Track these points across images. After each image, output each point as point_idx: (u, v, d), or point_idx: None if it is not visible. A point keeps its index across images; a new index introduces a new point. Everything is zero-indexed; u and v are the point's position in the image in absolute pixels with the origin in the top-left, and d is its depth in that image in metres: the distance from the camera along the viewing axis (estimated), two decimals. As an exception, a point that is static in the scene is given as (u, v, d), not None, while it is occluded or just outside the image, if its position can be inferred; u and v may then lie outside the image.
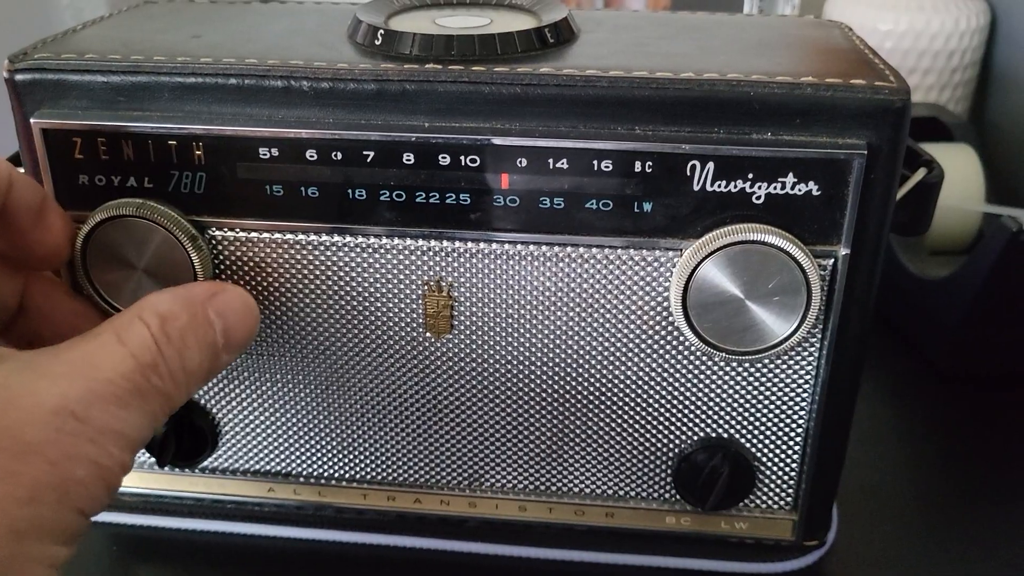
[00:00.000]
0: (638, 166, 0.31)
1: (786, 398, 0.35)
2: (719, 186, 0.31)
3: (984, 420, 0.48)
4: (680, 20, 0.38)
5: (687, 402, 0.35)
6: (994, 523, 0.42)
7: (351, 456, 0.37)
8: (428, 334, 0.35)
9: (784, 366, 0.34)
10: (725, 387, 0.35)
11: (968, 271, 0.48)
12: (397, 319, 0.34)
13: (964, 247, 0.56)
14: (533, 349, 0.34)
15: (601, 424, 0.36)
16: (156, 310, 0.28)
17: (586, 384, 0.35)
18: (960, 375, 0.51)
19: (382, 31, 0.33)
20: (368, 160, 0.32)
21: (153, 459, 0.38)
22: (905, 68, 0.66)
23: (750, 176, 0.31)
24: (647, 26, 0.37)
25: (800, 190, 0.31)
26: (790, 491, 0.37)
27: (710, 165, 0.31)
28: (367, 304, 0.34)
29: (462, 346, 0.35)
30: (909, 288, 0.53)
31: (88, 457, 0.24)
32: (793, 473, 0.36)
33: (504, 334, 0.34)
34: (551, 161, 0.31)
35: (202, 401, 0.37)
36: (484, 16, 0.36)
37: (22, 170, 0.35)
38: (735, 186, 0.31)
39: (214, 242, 0.34)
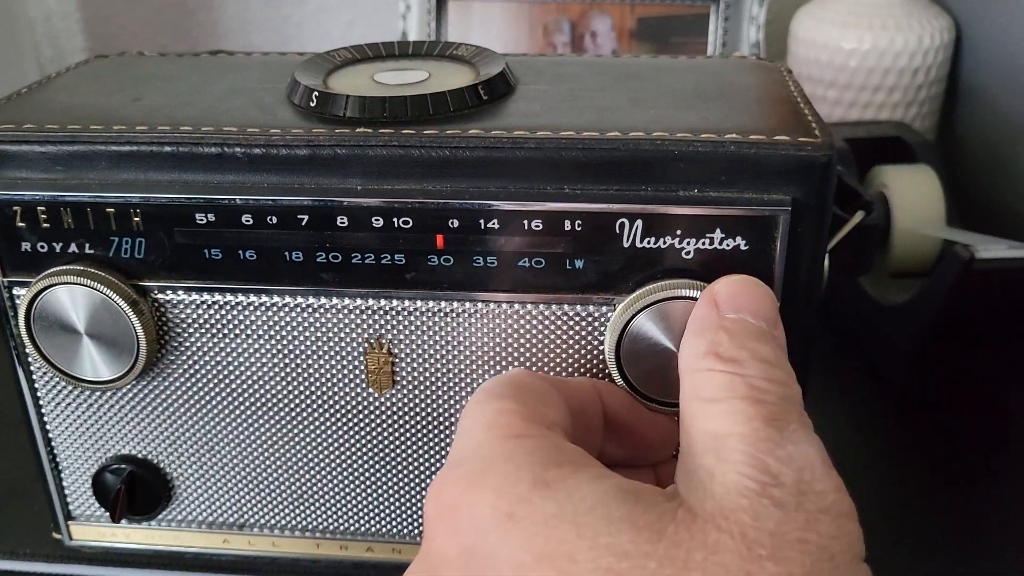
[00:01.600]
0: (568, 225, 0.31)
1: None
2: (648, 243, 0.32)
3: (942, 443, 0.49)
4: (619, 67, 0.39)
5: (630, 449, 0.35)
6: (953, 541, 0.42)
7: (302, 507, 0.38)
8: (371, 389, 0.35)
9: (723, 414, 0.34)
10: (665, 435, 0.35)
11: (924, 298, 0.49)
12: (340, 376, 0.35)
13: (926, 269, 0.56)
14: (475, 402, 0.35)
15: (547, 472, 0.36)
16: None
17: (529, 434, 0.35)
18: (918, 399, 0.51)
19: (317, 93, 0.34)
20: (303, 224, 0.32)
21: (108, 513, 0.38)
22: (870, 86, 0.67)
23: (678, 232, 0.31)
24: (585, 75, 0.38)
25: (728, 245, 0.31)
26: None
27: (638, 223, 0.31)
28: (310, 362, 0.35)
29: (405, 400, 0.35)
30: (868, 312, 0.54)
31: None
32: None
33: (445, 388, 0.35)
34: (482, 222, 0.32)
35: (153, 458, 0.37)
36: (423, 69, 0.37)
37: None
38: (664, 242, 0.32)
39: (156, 304, 0.34)
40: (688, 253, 0.32)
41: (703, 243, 0.31)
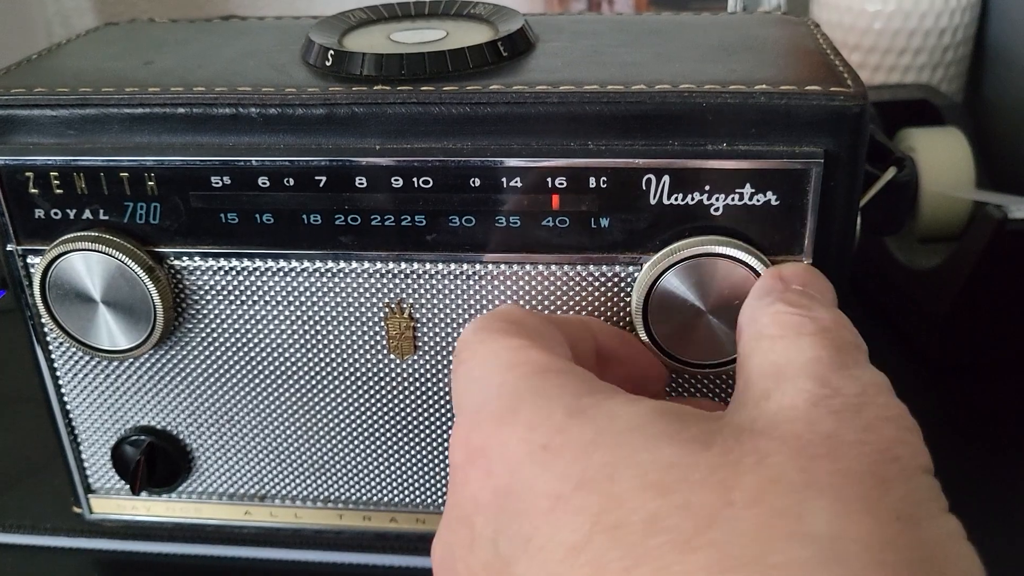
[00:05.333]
0: (593, 182, 0.31)
1: (758, 407, 0.34)
2: (676, 199, 0.31)
3: (973, 410, 0.48)
4: (641, 23, 0.38)
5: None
6: (983, 509, 0.41)
7: (324, 477, 0.37)
8: (392, 355, 0.34)
9: (753, 376, 0.34)
10: (689, 395, 0.34)
11: (955, 261, 0.47)
12: (361, 342, 0.34)
13: (955, 233, 0.55)
14: (498, 367, 0.34)
15: (572, 438, 0.35)
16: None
17: (555, 400, 0.35)
18: (949, 365, 0.50)
19: (332, 51, 0.33)
20: (320, 185, 0.31)
21: (128, 486, 0.38)
22: (895, 48, 0.65)
23: (707, 188, 0.30)
24: (606, 32, 0.36)
25: (758, 200, 0.30)
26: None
27: (665, 178, 0.30)
28: (330, 328, 0.34)
29: (427, 366, 0.34)
30: (898, 278, 0.52)
31: None
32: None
33: (468, 353, 0.34)
34: (504, 180, 0.31)
35: (172, 428, 0.37)
36: (440, 28, 0.36)
37: None
38: (692, 198, 0.31)
39: (173, 271, 0.34)
40: (717, 209, 0.31)
41: (733, 198, 0.30)
